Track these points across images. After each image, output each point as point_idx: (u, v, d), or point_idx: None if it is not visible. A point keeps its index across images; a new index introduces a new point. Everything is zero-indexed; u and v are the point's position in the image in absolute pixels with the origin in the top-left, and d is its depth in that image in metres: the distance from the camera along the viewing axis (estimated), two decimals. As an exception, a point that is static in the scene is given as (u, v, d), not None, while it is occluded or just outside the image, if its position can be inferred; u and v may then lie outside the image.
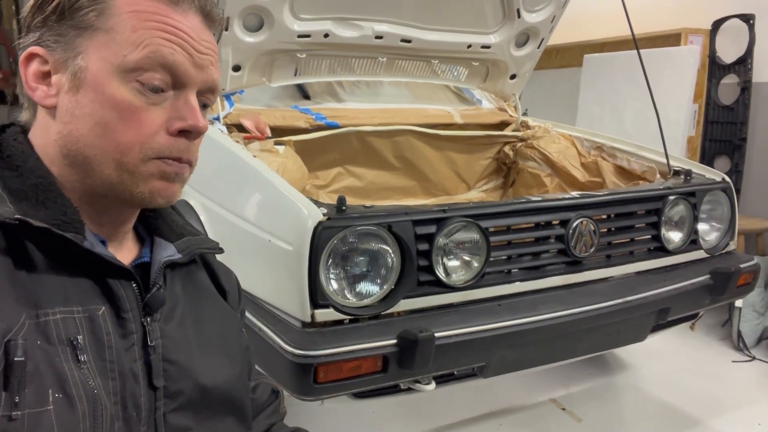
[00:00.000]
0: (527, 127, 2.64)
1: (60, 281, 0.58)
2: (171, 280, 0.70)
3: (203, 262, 0.78)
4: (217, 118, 2.06)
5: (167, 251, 0.70)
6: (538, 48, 2.49)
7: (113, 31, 0.59)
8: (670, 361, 2.62)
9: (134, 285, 0.64)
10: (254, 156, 1.74)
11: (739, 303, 2.71)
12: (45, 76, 0.62)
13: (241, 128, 2.07)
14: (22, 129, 0.65)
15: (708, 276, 1.83)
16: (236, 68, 2.06)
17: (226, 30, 1.92)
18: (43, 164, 0.62)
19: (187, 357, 0.67)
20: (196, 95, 0.63)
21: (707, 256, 1.96)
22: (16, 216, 0.56)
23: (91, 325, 0.59)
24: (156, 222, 0.73)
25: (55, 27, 0.61)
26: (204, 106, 0.66)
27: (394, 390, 1.52)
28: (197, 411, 0.67)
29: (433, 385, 1.49)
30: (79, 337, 0.57)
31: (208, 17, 0.65)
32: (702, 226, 1.96)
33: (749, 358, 2.68)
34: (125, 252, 0.69)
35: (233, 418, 0.73)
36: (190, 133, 0.63)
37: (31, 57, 0.62)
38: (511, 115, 2.68)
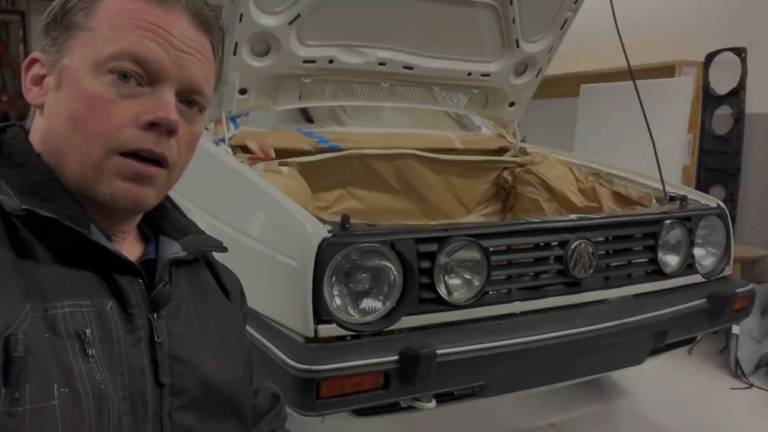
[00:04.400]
0: (525, 153, 2.68)
1: (67, 274, 0.58)
2: (176, 278, 0.69)
3: (206, 263, 0.78)
4: (223, 140, 2.10)
5: (172, 249, 0.70)
6: (537, 77, 2.55)
7: (94, 30, 0.61)
8: (668, 388, 2.61)
9: (141, 281, 0.63)
10: (259, 176, 1.77)
11: (736, 330, 2.72)
12: (41, 79, 0.64)
13: (246, 150, 2.11)
14: (23, 130, 0.66)
15: (705, 300, 1.85)
16: (243, 91, 2.11)
17: (234, 55, 1.98)
18: (45, 162, 0.62)
19: (192, 354, 0.66)
20: (175, 93, 0.63)
21: (704, 280, 1.98)
22: (23, 207, 0.56)
23: (100, 320, 0.58)
24: (160, 221, 0.73)
25: (51, 32, 0.63)
26: (189, 104, 0.65)
27: (395, 408, 1.53)
28: (201, 410, 0.67)
29: (433, 403, 1.50)
30: (87, 331, 0.57)
31: (198, 17, 0.64)
32: (698, 251, 1.99)
33: (747, 386, 2.68)
34: (130, 249, 0.68)
35: (234, 420, 0.72)
36: (160, 126, 0.61)
37: (32, 62, 0.65)
38: (509, 142, 2.73)
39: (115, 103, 0.60)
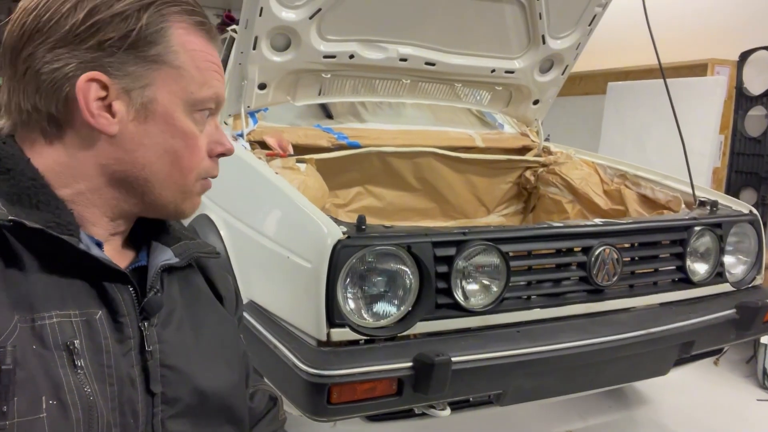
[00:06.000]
0: (549, 152, 2.62)
1: (55, 284, 0.58)
2: (168, 285, 0.69)
3: (199, 268, 0.78)
4: (241, 135, 2.08)
5: (164, 255, 0.69)
6: (562, 74, 2.48)
7: (181, 69, 0.63)
8: (692, 397, 2.54)
9: (131, 289, 0.63)
10: (276, 173, 1.75)
11: (764, 339, 2.63)
12: (102, 102, 0.61)
13: (264, 145, 2.08)
14: (11, 134, 0.64)
15: (734, 310, 1.78)
16: (262, 86, 2.09)
17: (254, 49, 1.95)
18: (35, 167, 0.60)
19: (185, 362, 0.66)
20: None
21: (733, 289, 1.91)
22: (9, 217, 0.55)
23: (89, 329, 0.58)
24: (152, 227, 0.72)
25: (119, 55, 0.60)
26: None
27: (409, 414, 1.49)
28: (195, 418, 0.66)
29: (448, 411, 1.46)
30: (76, 342, 0.56)
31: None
32: (728, 259, 1.92)
33: (775, 398, 2.59)
34: (121, 255, 0.68)
35: (231, 426, 0.72)
36: (223, 155, 0.69)
37: (91, 81, 0.60)
38: (533, 141, 2.67)
39: (199, 138, 0.66)
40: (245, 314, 1.55)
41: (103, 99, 0.60)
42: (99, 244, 0.63)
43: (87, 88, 0.59)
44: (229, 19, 3.20)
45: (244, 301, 1.61)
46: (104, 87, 0.60)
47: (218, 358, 0.72)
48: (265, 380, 0.91)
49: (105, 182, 0.63)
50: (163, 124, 0.63)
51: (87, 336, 0.57)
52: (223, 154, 0.69)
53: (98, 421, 0.56)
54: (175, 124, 0.63)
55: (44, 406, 0.52)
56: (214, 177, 0.70)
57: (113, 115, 0.61)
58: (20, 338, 0.53)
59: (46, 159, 0.62)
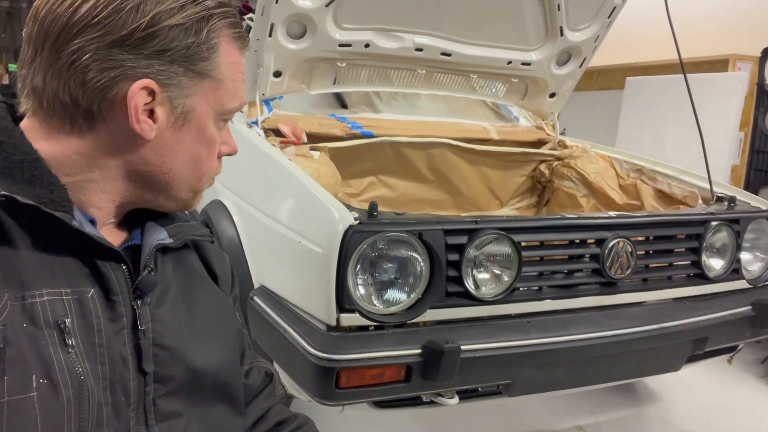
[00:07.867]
0: (564, 146, 2.60)
1: (47, 261, 0.57)
2: (162, 264, 0.68)
3: (194, 247, 0.77)
4: (256, 122, 2.08)
5: (159, 235, 0.69)
6: (580, 67, 2.45)
7: (220, 81, 0.65)
8: (704, 396, 2.51)
9: (124, 267, 0.62)
10: (289, 160, 1.75)
11: (781, 340, 2.59)
12: (145, 107, 0.61)
13: (278, 133, 2.09)
14: (7, 106, 0.63)
15: (749, 307, 1.76)
16: (277, 74, 2.09)
17: (270, 36, 1.96)
18: (28, 141, 0.58)
19: (178, 342, 0.66)
20: None
21: (749, 286, 1.88)
22: (2, 192, 0.54)
23: (80, 308, 0.57)
24: (147, 207, 0.71)
25: (171, 65, 0.61)
26: None
27: (417, 402, 1.49)
28: (188, 396, 0.67)
29: (456, 399, 1.46)
30: (67, 320, 0.56)
31: None
32: (745, 255, 1.89)
33: (790, 399, 2.55)
34: (115, 234, 0.67)
35: (225, 404, 0.72)
36: (229, 155, 0.72)
37: (141, 89, 0.60)
38: (548, 134, 2.64)
39: (217, 143, 0.69)
40: (256, 299, 1.56)
41: (146, 104, 0.61)
42: (92, 222, 0.63)
43: (138, 95, 0.60)
44: (246, 9, 3.21)
45: (256, 286, 1.62)
46: (151, 93, 0.60)
47: (212, 336, 0.72)
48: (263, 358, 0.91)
49: (124, 176, 0.63)
50: (195, 132, 0.65)
51: (78, 314, 0.57)
52: (228, 154, 0.71)
53: (89, 401, 0.55)
54: (205, 132, 0.65)
55: (34, 385, 0.52)
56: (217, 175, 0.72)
57: (154, 121, 0.61)
58: (10, 316, 0.52)
59: (65, 147, 0.61)
